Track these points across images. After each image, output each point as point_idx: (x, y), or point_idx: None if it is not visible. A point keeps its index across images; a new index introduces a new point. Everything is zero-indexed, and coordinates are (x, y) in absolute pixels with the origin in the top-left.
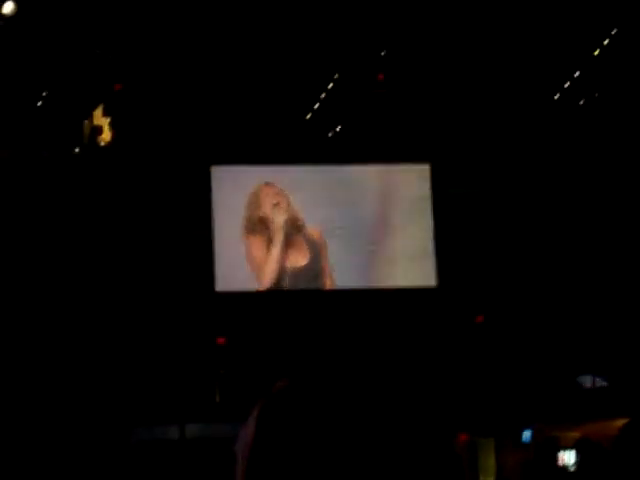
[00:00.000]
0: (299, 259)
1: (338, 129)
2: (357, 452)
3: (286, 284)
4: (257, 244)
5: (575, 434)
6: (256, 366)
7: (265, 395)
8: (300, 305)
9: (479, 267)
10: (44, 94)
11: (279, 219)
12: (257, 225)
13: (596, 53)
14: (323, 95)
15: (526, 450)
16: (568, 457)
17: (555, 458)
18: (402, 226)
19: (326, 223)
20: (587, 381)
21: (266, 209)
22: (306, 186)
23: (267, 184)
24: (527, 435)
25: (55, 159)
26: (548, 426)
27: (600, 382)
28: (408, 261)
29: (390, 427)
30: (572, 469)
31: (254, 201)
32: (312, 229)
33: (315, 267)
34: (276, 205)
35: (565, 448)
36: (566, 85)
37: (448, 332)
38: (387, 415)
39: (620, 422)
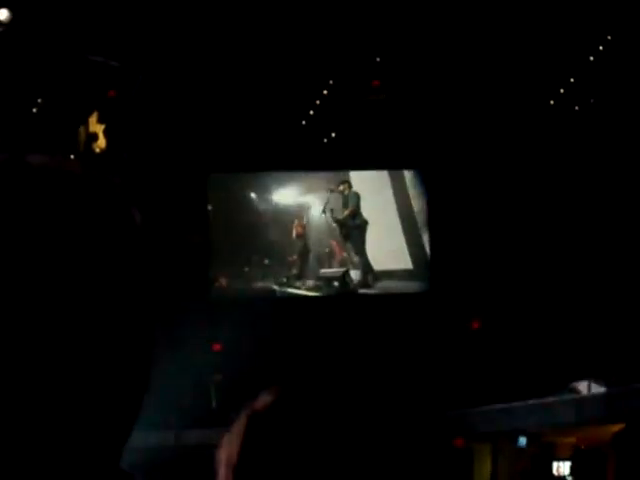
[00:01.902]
0: None
1: (333, 135)
2: (350, 470)
3: None
4: None
5: (571, 440)
6: (252, 372)
7: (251, 407)
8: (295, 311)
9: (475, 273)
10: (40, 101)
11: None
12: None
13: (592, 59)
14: (318, 102)
15: (522, 456)
16: (563, 467)
17: (551, 468)
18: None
19: None
20: (583, 387)
21: None
22: None
23: None
24: (523, 441)
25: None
26: (544, 432)
27: (597, 387)
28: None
29: (385, 440)
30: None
31: None
32: None
33: None
34: None
35: (560, 459)
36: (562, 91)
37: (444, 338)
38: (383, 427)
39: (616, 428)
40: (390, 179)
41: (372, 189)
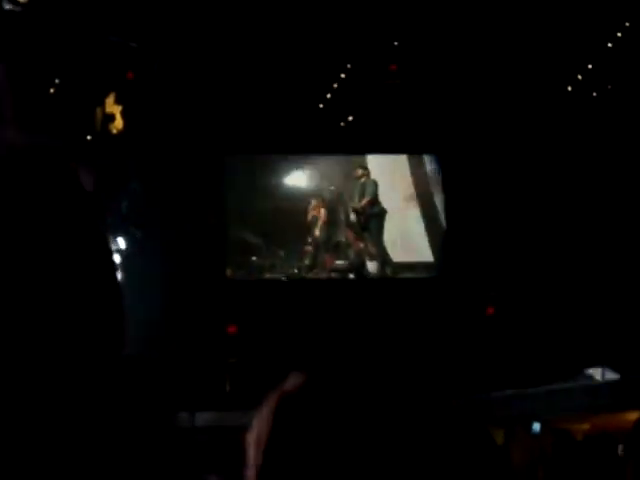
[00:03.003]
0: None
1: (350, 119)
2: (385, 453)
3: None
4: None
5: (585, 426)
6: (267, 355)
7: (281, 388)
8: (311, 294)
9: (490, 259)
10: (57, 81)
11: None
12: None
13: (609, 45)
14: (335, 85)
15: (535, 441)
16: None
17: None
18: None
19: None
20: (597, 374)
21: None
22: None
23: None
24: (536, 427)
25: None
26: (558, 418)
27: (611, 374)
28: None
29: (413, 424)
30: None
31: None
32: None
33: None
34: None
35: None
36: (579, 77)
37: (458, 324)
38: (410, 412)
39: (630, 415)
40: (409, 166)
41: (390, 176)
